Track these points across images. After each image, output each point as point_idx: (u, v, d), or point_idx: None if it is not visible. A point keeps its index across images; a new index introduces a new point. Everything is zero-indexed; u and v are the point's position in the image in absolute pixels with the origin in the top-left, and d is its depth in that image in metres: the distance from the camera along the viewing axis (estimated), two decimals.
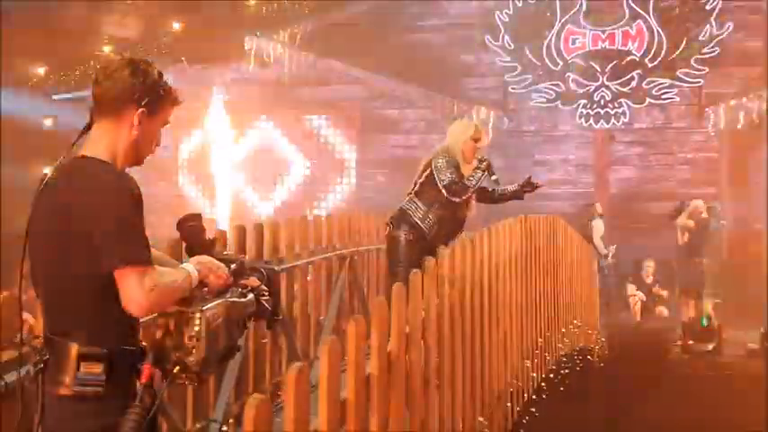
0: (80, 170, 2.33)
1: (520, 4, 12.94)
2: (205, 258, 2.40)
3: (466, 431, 4.00)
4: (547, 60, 12.85)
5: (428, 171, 5.80)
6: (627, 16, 12.48)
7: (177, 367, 2.25)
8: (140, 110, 2.36)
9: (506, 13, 12.97)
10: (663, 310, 10.86)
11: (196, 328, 2.24)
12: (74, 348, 2.25)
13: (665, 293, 11.15)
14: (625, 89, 12.50)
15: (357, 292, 6.93)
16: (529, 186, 6.16)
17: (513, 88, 13.12)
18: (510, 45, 12.97)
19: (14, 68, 14.58)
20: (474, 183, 5.71)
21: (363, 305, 6.77)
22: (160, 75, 2.43)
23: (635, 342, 9.80)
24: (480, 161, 5.79)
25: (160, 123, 2.45)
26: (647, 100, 12.47)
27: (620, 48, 12.53)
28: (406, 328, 3.12)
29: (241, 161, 14.23)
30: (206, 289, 2.35)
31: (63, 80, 15.69)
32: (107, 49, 15.60)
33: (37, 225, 2.33)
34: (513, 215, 6.00)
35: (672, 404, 6.63)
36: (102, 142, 2.36)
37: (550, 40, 12.82)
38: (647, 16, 12.42)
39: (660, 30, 12.38)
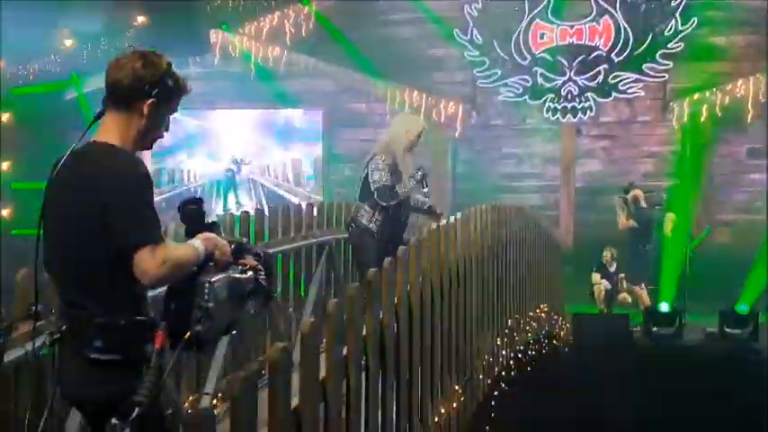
0: (93, 154, 2.49)
1: None
2: (210, 235, 2.54)
3: (444, 398, 4.27)
4: (515, 55, 13.09)
5: (366, 172, 5.99)
6: (594, 12, 12.75)
7: (188, 335, 2.40)
8: (150, 100, 2.51)
9: (475, 7, 13.15)
10: (626, 297, 11.19)
11: (205, 298, 2.40)
12: (90, 319, 2.40)
13: (627, 282, 11.46)
14: (592, 84, 12.77)
15: (335, 278, 7.18)
16: (431, 213, 6.35)
17: (481, 82, 13.35)
18: (479, 39, 13.19)
19: None
20: (404, 191, 5.93)
21: (341, 291, 7.02)
22: (169, 66, 2.57)
23: (599, 327, 10.14)
24: (417, 171, 6.01)
25: (169, 111, 2.60)
26: (613, 94, 12.75)
27: (587, 43, 12.83)
28: (394, 300, 3.39)
29: (207, 152, 14.31)
30: (212, 264, 2.50)
31: (21, 74, 15.48)
32: (68, 42, 15.51)
33: (52, 206, 2.48)
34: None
35: (633, 382, 6.95)
36: (114, 129, 2.52)
37: (519, 34, 13.05)
38: (613, 12, 12.69)
39: (626, 25, 12.69)
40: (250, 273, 2.56)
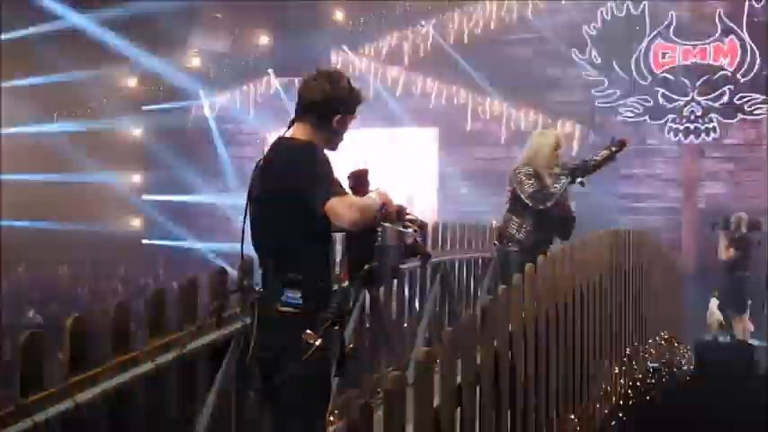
0: (285, 146, 2.99)
1: (608, 18, 12.99)
2: (381, 189, 2.99)
3: (559, 427, 4.20)
4: (635, 75, 12.87)
5: (512, 187, 5.94)
6: (719, 31, 12.43)
7: (366, 267, 2.87)
8: (337, 116, 3.00)
9: (594, 26, 13.03)
10: (749, 326, 10.71)
11: (378, 240, 2.87)
12: (280, 278, 2.90)
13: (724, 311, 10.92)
14: (716, 104, 12.45)
15: (449, 297, 7.16)
16: (617, 145, 6.13)
17: (599, 102, 13.17)
18: (597, 59, 13.03)
19: (105, 80, 15.12)
20: (559, 188, 5.82)
21: (454, 310, 7.00)
22: (349, 82, 3.05)
23: (722, 357, 9.74)
24: (564, 167, 5.89)
25: (349, 120, 3.08)
26: (738, 115, 12.39)
27: (711, 62, 12.49)
28: (509, 327, 3.36)
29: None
30: (384, 211, 2.93)
31: (151, 92, 16.28)
32: (196, 61, 16.18)
33: (255, 193, 2.98)
34: (601, 228, 6.15)
35: (759, 418, 6.65)
36: (302, 133, 2.99)
37: (639, 54, 12.85)
38: (739, 31, 12.35)
39: (753, 44, 12.30)
40: (410, 230, 3.00)
